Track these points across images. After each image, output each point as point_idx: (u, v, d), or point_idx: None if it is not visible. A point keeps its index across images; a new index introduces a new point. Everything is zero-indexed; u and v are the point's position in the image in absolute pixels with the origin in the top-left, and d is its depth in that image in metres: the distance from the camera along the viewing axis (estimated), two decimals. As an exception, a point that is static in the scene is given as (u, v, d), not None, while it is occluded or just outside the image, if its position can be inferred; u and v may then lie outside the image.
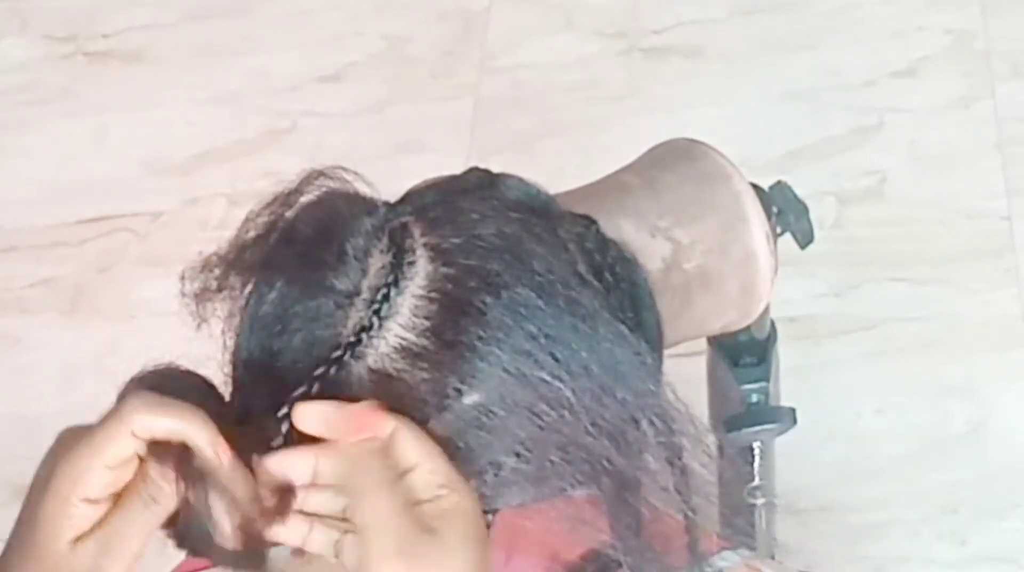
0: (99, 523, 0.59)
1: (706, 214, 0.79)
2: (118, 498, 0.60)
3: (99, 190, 2.02)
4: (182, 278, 0.67)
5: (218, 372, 0.66)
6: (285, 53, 2.13)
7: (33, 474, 0.61)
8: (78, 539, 0.59)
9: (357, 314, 0.62)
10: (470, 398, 0.61)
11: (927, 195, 1.78)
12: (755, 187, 0.82)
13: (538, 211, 0.68)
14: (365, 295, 0.62)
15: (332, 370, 0.61)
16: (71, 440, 0.60)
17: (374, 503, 0.58)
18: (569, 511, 0.66)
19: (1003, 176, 1.77)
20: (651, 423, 0.65)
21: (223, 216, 1.93)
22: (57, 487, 0.59)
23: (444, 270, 0.63)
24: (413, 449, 0.59)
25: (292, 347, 0.63)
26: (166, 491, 0.59)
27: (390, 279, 0.62)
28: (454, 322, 0.61)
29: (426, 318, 0.62)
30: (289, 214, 0.66)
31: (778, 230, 0.89)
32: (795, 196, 0.91)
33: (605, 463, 0.64)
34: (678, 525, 0.70)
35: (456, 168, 0.72)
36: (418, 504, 0.59)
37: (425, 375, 0.61)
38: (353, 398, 0.61)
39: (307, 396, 0.61)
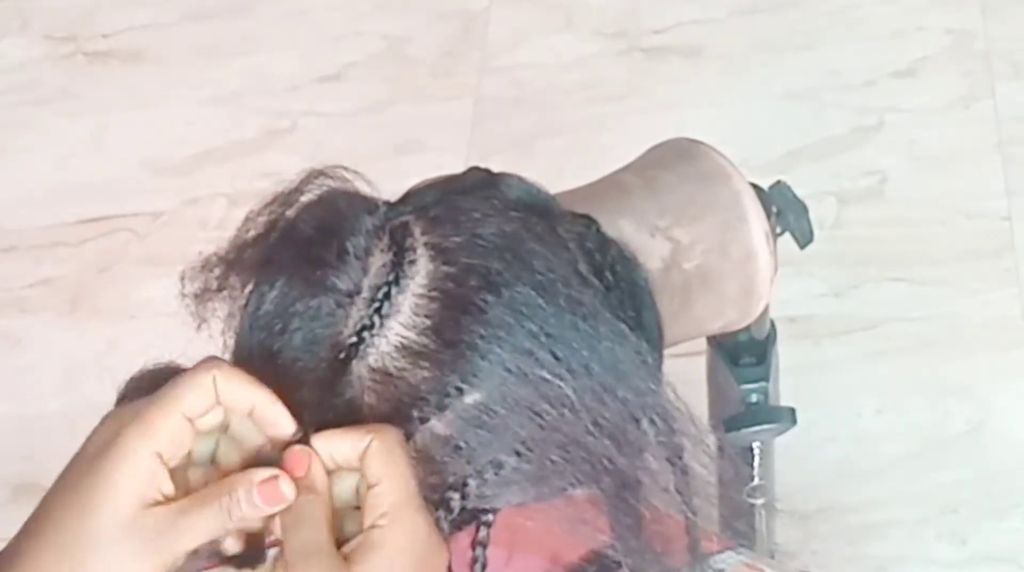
0: (172, 502, 0.57)
1: (706, 214, 0.79)
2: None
3: (99, 190, 2.01)
4: (182, 278, 0.67)
5: (218, 372, 0.66)
6: (285, 53, 2.13)
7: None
8: (148, 506, 0.57)
9: (358, 313, 0.62)
10: (471, 397, 0.61)
11: (927, 195, 1.78)
12: (755, 187, 0.82)
13: (538, 210, 0.68)
14: (366, 294, 0.62)
15: (334, 372, 0.61)
16: (130, 409, 0.58)
17: (299, 540, 0.57)
18: (569, 511, 0.66)
19: (1003, 176, 1.77)
20: (652, 422, 0.65)
21: (223, 216, 1.93)
22: (129, 447, 0.57)
23: (445, 269, 0.63)
24: (379, 466, 0.59)
25: (293, 346, 0.63)
26: (241, 511, 0.58)
27: (391, 278, 0.62)
28: (455, 321, 0.61)
29: (427, 317, 0.62)
30: (289, 213, 0.66)
31: (778, 230, 0.89)
32: (795, 196, 0.91)
33: (606, 462, 0.64)
34: (678, 526, 0.70)
35: (456, 168, 0.72)
36: (356, 533, 0.58)
37: (426, 374, 0.61)
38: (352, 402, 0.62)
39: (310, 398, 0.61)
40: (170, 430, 0.58)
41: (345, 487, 0.60)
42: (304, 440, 0.60)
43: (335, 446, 0.60)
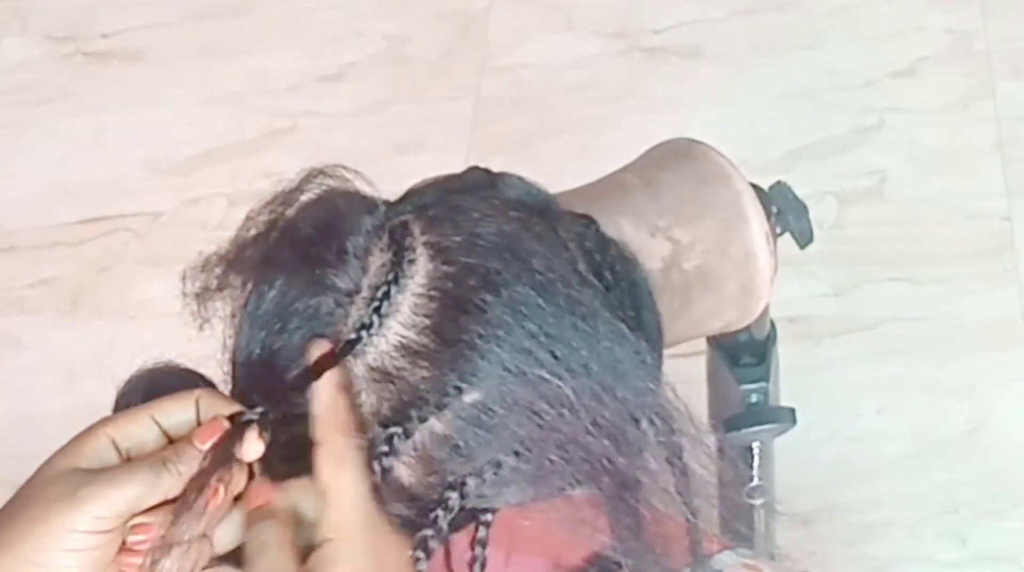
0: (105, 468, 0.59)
1: (705, 214, 0.79)
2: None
3: (99, 190, 2.02)
4: (183, 278, 0.67)
5: (217, 371, 0.66)
6: (285, 53, 2.13)
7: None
8: (83, 471, 0.58)
9: (357, 312, 0.62)
10: (470, 396, 0.61)
11: (927, 195, 1.78)
12: (755, 187, 0.82)
13: (538, 210, 0.68)
14: (365, 293, 0.62)
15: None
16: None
17: (263, 565, 0.58)
18: (569, 511, 0.66)
19: (1003, 176, 1.77)
20: (651, 422, 0.65)
21: (223, 216, 1.93)
22: (92, 428, 0.59)
23: (444, 268, 0.63)
24: (326, 477, 0.59)
25: (292, 345, 0.63)
26: (183, 466, 0.58)
27: (390, 277, 0.62)
28: (454, 320, 0.61)
29: (426, 316, 0.62)
30: (289, 213, 0.66)
31: (778, 230, 0.89)
32: (795, 196, 0.91)
33: (605, 462, 0.63)
34: (678, 526, 0.70)
35: (456, 168, 0.72)
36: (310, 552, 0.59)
37: (425, 373, 0.61)
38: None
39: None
40: (133, 423, 0.60)
41: (310, 502, 0.60)
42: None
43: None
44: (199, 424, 0.61)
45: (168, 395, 0.61)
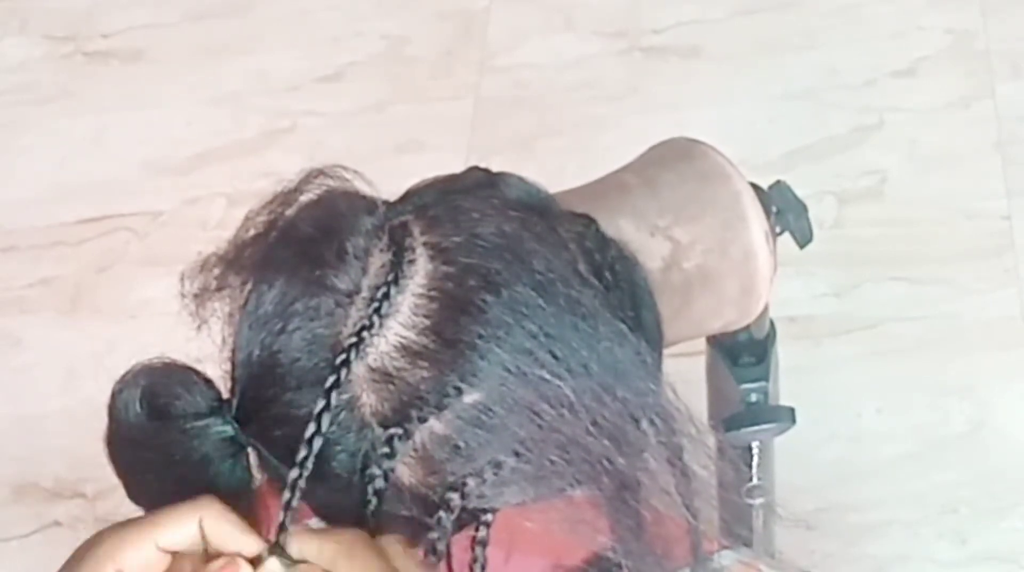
0: None
1: (705, 213, 0.79)
2: None
3: (99, 190, 2.02)
4: (182, 278, 0.67)
5: (216, 371, 0.66)
6: (285, 53, 2.13)
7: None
8: None
9: (357, 313, 0.62)
10: (470, 397, 0.61)
11: (927, 195, 1.78)
12: (754, 187, 0.82)
13: (538, 210, 0.68)
14: (365, 294, 0.62)
15: (341, 376, 0.61)
16: (115, 527, 0.60)
17: None
18: (569, 512, 0.66)
19: (1003, 176, 1.77)
20: (651, 423, 0.65)
21: (223, 216, 1.93)
22: (96, 557, 0.58)
23: (444, 269, 0.63)
24: (344, 567, 0.59)
25: (292, 346, 0.63)
26: None
27: (390, 277, 0.62)
28: (454, 320, 0.61)
29: (426, 317, 0.62)
30: (289, 213, 0.66)
31: (777, 230, 0.89)
32: (794, 196, 0.91)
33: (605, 463, 0.63)
34: (678, 527, 0.70)
35: (456, 168, 0.72)
36: None
37: (425, 373, 0.61)
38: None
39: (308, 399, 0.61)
40: (139, 556, 0.59)
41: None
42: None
43: (304, 548, 0.60)
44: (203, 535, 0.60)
45: (166, 515, 0.60)
